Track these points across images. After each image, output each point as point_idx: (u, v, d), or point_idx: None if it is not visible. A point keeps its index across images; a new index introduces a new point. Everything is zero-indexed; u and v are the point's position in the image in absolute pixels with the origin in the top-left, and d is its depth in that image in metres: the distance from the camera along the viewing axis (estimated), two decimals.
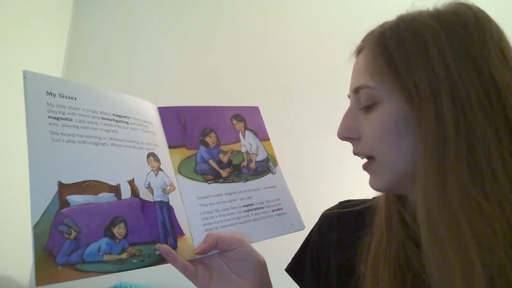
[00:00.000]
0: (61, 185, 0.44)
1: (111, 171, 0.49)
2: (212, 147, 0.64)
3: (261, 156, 0.69)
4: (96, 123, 0.50)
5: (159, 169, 0.55)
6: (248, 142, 0.69)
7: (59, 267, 0.41)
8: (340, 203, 0.63)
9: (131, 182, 0.51)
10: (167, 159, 0.58)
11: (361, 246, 0.52)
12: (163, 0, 2.00)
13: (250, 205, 0.63)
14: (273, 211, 0.65)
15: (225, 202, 0.61)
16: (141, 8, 2.04)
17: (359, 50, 0.52)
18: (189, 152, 0.61)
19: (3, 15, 1.74)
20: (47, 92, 0.47)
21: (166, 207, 0.53)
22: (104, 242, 0.45)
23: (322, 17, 1.69)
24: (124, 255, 0.47)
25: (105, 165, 0.49)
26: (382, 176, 0.48)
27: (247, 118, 0.70)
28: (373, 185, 0.50)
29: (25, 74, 0.46)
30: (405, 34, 0.45)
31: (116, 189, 0.49)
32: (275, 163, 0.70)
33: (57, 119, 0.46)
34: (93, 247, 0.44)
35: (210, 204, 0.59)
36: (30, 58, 1.86)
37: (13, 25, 1.78)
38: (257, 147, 0.69)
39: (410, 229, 0.48)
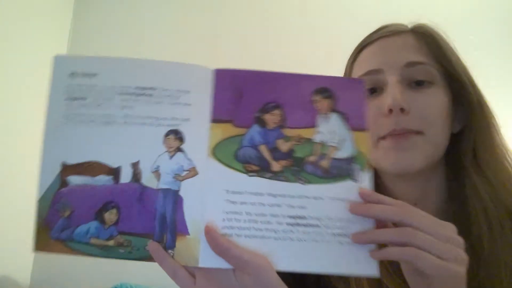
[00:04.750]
0: (64, 165, 0.46)
1: (115, 152, 0.46)
2: (271, 128, 0.46)
3: (343, 153, 0.44)
4: (111, 99, 0.47)
5: (179, 149, 0.46)
6: (328, 130, 0.44)
7: (52, 241, 0.45)
8: None
9: (135, 165, 0.46)
10: (199, 136, 0.47)
11: None
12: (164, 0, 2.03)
13: (300, 218, 0.42)
14: (333, 235, 0.41)
15: (263, 205, 0.44)
16: (142, 8, 2.07)
17: (398, 31, 0.59)
18: (236, 131, 0.47)
19: (3, 15, 1.76)
20: (72, 73, 0.49)
21: (172, 197, 0.45)
22: (93, 225, 0.45)
23: (323, 17, 1.79)
24: (111, 242, 0.45)
25: (110, 145, 0.46)
26: (424, 152, 0.53)
27: (339, 95, 0.45)
28: (410, 161, 0.53)
29: (55, 59, 0.49)
30: (435, 31, 0.60)
31: (115, 172, 0.46)
32: (364, 166, 0.42)
33: (74, 99, 0.48)
34: (82, 228, 0.45)
35: (241, 203, 0.44)
36: (31, 58, 1.84)
37: (13, 25, 1.79)
38: (341, 139, 0.44)
39: None
